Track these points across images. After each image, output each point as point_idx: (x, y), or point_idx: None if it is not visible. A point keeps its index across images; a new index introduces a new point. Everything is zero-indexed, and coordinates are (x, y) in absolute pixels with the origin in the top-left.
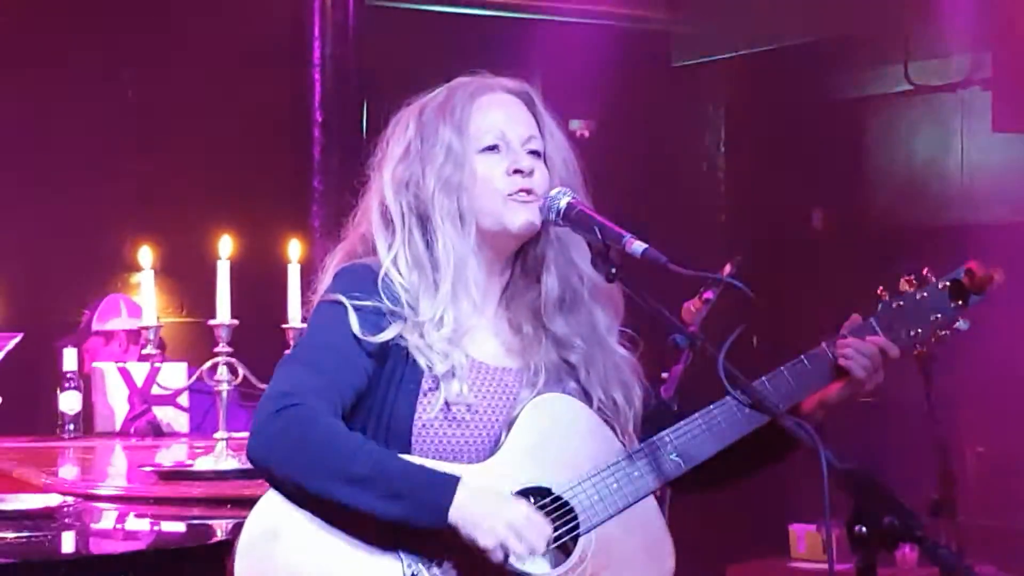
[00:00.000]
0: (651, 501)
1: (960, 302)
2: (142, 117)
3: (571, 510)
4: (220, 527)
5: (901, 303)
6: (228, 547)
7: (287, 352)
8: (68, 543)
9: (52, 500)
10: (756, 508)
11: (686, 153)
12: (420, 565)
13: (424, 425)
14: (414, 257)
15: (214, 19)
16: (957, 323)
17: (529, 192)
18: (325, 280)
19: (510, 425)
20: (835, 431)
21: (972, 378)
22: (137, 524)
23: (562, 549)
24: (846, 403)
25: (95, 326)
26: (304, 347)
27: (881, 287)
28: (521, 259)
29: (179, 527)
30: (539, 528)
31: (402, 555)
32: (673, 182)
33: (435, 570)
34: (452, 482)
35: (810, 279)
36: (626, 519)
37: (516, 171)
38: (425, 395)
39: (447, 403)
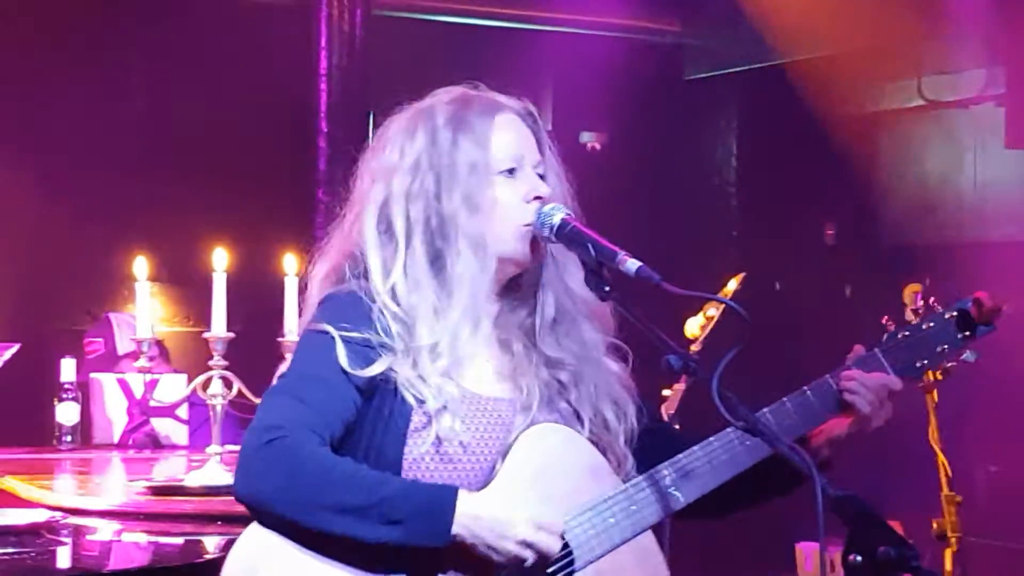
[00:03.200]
0: (649, 534)
1: (968, 333)
2: (149, 125)
3: (566, 545)
4: (211, 544)
5: (907, 334)
6: (218, 565)
7: (272, 383)
8: (52, 560)
9: (39, 516)
10: (763, 527)
11: (698, 167)
12: None
13: (414, 460)
14: (414, 277)
15: (222, 29)
16: (964, 354)
17: None
18: (310, 303)
19: (503, 456)
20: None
21: (984, 397)
22: (126, 541)
23: None
24: (854, 438)
25: (124, 348)
26: (291, 378)
27: (887, 317)
28: (514, 279)
29: (169, 544)
30: (550, 530)
31: None
32: (685, 196)
33: None
34: (450, 498)
35: (822, 294)
36: (624, 554)
37: (536, 198)
38: (416, 431)
39: (438, 438)
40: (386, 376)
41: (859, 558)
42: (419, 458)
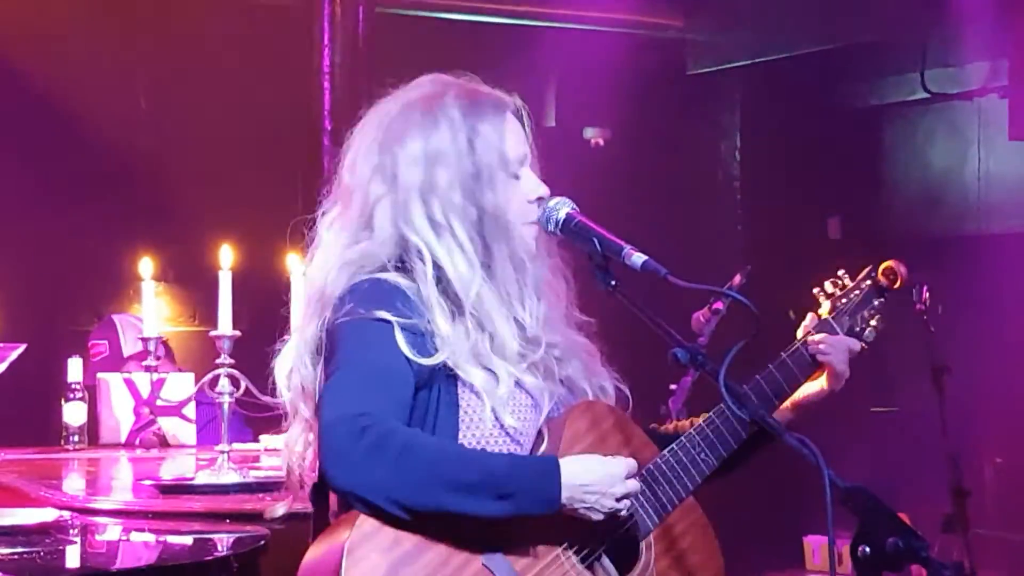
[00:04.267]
0: (691, 499)
1: (882, 299)
2: (153, 125)
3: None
4: (220, 542)
5: (844, 301)
6: (227, 562)
7: (336, 371)
8: (61, 559)
9: (48, 515)
10: (771, 520)
11: (701, 161)
12: (503, 567)
13: (471, 443)
14: (469, 262)
15: (224, 28)
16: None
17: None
18: (330, 292)
19: (545, 434)
20: (850, 443)
21: (990, 389)
22: (135, 540)
23: (621, 554)
24: (827, 400)
25: (129, 350)
26: (355, 367)
27: (817, 288)
28: None
29: (178, 543)
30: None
31: (485, 561)
32: (688, 190)
33: (517, 567)
34: (555, 467)
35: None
36: (676, 518)
37: (539, 199)
38: (466, 412)
39: (497, 420)
40: (440, 364)
41: (868, 550)
42: (477, 439)
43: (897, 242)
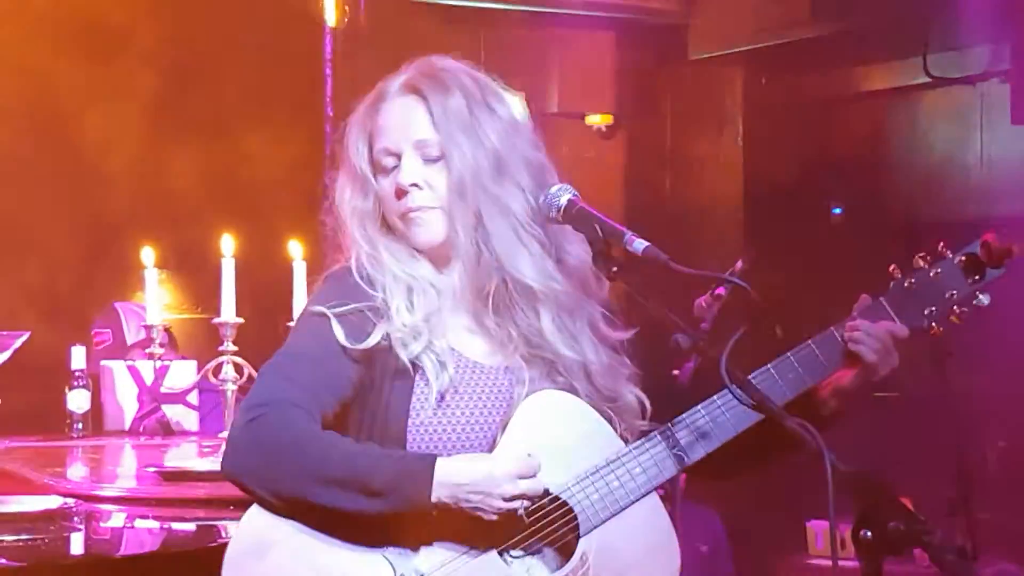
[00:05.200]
0: (654, 499)
1: (977, 277)
2: (155, 111)
3: (570, 510)
4: (224, 529)
5: (913, 281)
6: None
7: (266, 362)
8: (66, 546)
9: (52, 502)
10: (774, 505)
11: (704, 147)
12: (408, 565)
13: (419, 425)
14: (372, 261)
15: (229, 15)
16: (976, 299)
17: (417, 210)
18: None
19: (505, 425)
20: (853, 427)
21: (994, 372)
22: (139, 526)
23: (562, 551)
24: (861, 389)
25: (133, 338)
26: (280, 357)
27: (894, 266)
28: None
29: (182, 529)
30: (531, 475)
31: (389, 557)
32: (691, 176)
33: (424, 567)
34: (427, 466)
35: (829, 273)
36: (629, 518)
37: (400, 192)
38: (416, 396)
39: (440, 396)
40: (385, 342)
41: (869, 534)
42: (424, 423)
43: (899, 226)
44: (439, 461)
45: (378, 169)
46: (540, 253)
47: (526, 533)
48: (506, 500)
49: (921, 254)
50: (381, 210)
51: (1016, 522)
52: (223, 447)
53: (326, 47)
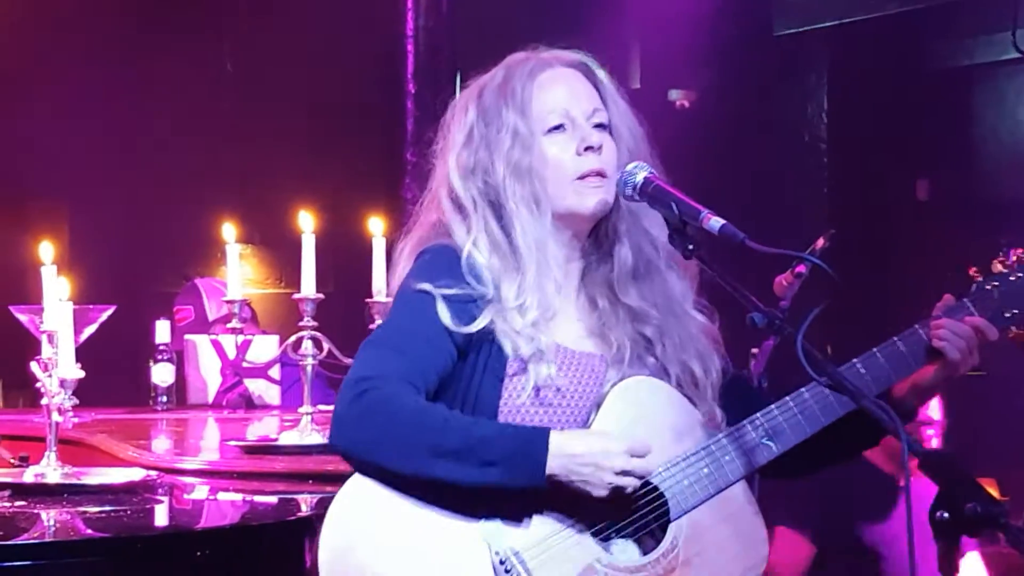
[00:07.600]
0: (742, 486)
1: None
2: (240, 90)
3: (660, 495)
4: (303, 502)
5: (997, 284)
6: (310, 523)
7: (368, 336)
8: (150, 518)
9: (136, 474)
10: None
11: (788, 123)
12: (503, 543)
13: (511, 410)
14: (492, 242)
15: None
16: None
17: (600, 175)
18: (402, 264)
19: (597, 408)
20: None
21: None
22: (220, 499)
23: (652, 536)
24: (940, 387)
25: (214, 314)
26: (386, 330)
27: (974, 268)
28: (593, 233)
29: (263, 502)
30: (643, 454)
31: (484, 534)
32: (775, 152)
33: (520, 544)
34: (543, 437)
35: (915, 250)
36: (718, 505)
37: (587, 148)
38: (511, 379)
39: (536, 387)
40: (485, 328)
41: (946, 515)
42: (517, 407)
43: (986, 205)
44: (553, 433)
45: (542, 131)
46: (646, 231)
47: (620, 516)
48: (616, 474)
49: (999, 258)
50: (534, 178)
51: None
52: (331, 420)
53: (407, 24)
